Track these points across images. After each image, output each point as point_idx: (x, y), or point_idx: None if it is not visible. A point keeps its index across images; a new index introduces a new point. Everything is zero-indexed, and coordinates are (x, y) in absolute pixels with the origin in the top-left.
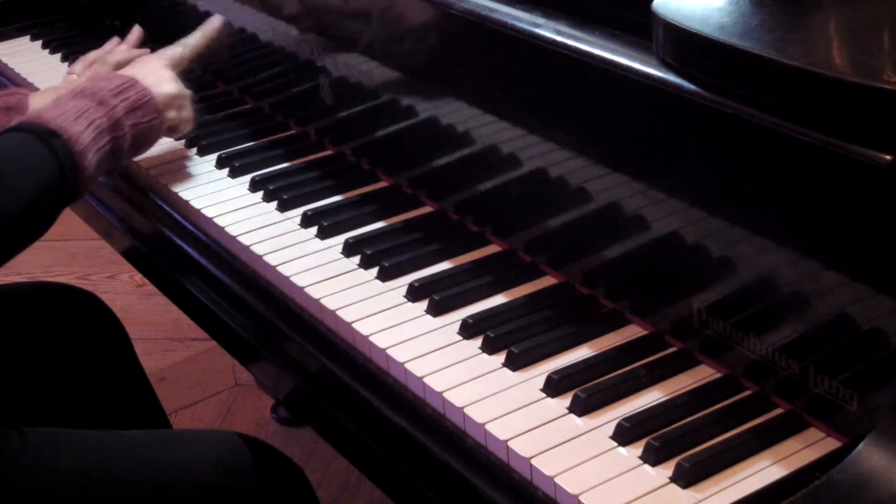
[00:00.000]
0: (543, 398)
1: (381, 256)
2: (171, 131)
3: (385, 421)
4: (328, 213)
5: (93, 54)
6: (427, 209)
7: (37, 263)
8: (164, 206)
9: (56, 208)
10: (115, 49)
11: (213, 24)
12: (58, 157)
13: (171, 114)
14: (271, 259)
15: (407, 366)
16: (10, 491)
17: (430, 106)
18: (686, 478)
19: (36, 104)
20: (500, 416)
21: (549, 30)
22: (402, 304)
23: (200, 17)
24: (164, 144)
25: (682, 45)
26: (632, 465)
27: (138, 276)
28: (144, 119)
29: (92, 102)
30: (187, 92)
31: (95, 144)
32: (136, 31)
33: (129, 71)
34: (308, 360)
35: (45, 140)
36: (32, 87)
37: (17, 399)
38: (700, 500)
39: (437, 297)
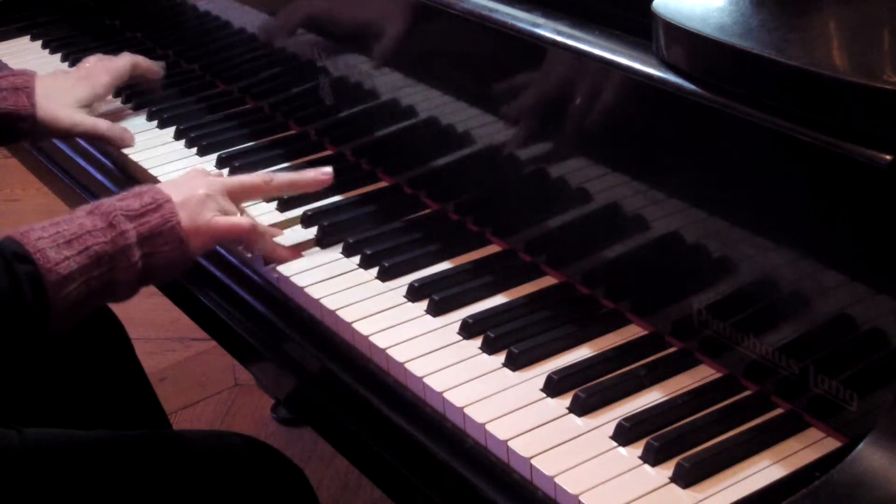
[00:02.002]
0: (543, 398)
1: (381, 256)
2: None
3: (385, 421)
4: (328, 212)
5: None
6: (427, 209)
7: None
8: None
9: (9, 335)
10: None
11: None
12: (15, 282)
13: (197, 243)
14: None
15: (407, 366)
16: (9, 491)
17: (430, 106)
18: (686, 478)
19: (43, 86)
20: (500, 416)
21: (549, 30)
22: (402, 304)
23: (200, 16)
24: (165, 147)
25: (682, 45)
26: (632, 465)
27: None
28: (164, 248)
29: (101, 222)
30: (245, 224)
31: (86, 273)
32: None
33: (174, 186)
34: (308, 361)
35: (8, 263)
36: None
37: (17, 399)
38: (700, 500)
39: (437, 297)
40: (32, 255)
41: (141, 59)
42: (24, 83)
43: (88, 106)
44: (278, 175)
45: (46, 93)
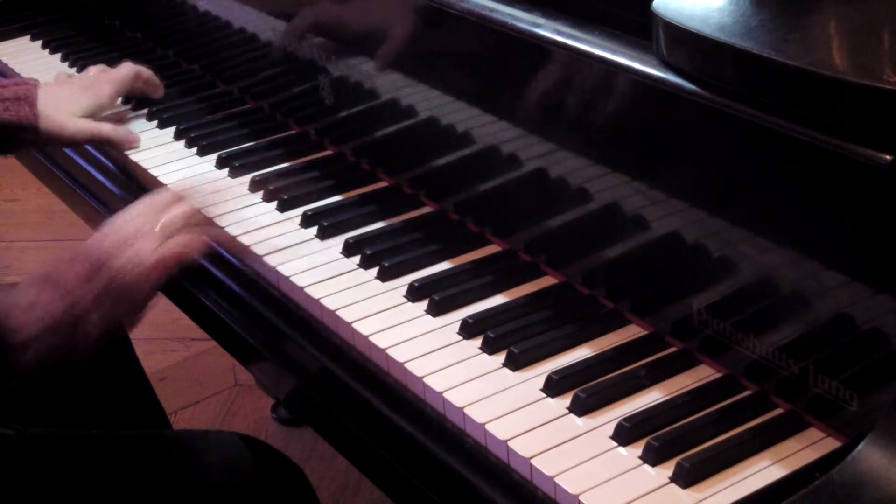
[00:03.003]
0: (543, 398)
1: (381, 256)
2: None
3: (385, 421)
4: (328, 213)
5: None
6: (427, 209)
7: (37, 264)
8: None
9: None
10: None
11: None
12: None
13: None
14: (271, 259)
15: (407, 366)
16: (9, 491)
17: (430, 106)
18: (686, 478)
19: (46, 96)
20: (500, 416)
21: (549, 30)
22: (402, 304)
23: (200, 16)
24: (165, 147)
25: (682, 45)
26: (632, 465)
27: None
28: (117, 311)
29: (50, 295)
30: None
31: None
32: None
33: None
34: (308, 361)
35: None
36: None
37: (17, 399)
38: (700, 500)
39: (437, 297)
40: None
41: (143, 69)
42: (26, 93)
43: (91, 116)
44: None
45: (49, 103)
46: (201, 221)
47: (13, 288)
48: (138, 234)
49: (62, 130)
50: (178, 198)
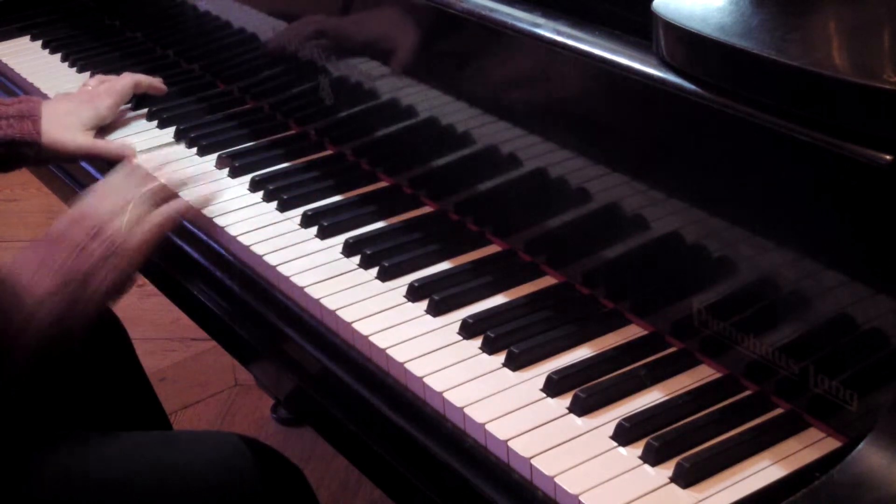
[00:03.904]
0: (543, 398)
1: (381, 256)
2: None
3: (385, 421)
4: (328, 213)
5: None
6: (427, 209)
7: None
8: None
9: None
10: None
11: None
12: None
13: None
14: (271, 259)
15: (407, 366)
16: (9, 491)
17: (430, 106)
18: (686, 478)
19: (48, 112)
20: (500, 416)
21: (549, 30)
22: (402, 304)
23: (200, 16)
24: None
25: (681, 45)
26: (632, 465)
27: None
28: (106, 285)
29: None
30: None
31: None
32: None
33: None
34: (308, 361)
35: None
36: (33, 87)
37: (16, 399)
38: (700, 500)
39: (437, 297)
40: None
41: (142, 78)
42: (30, 110)
43: (93, 128)
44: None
45: (51, 119)
46: (177, 188)
47: (19, 253)
48: (130, 199)
49: (63, 147)
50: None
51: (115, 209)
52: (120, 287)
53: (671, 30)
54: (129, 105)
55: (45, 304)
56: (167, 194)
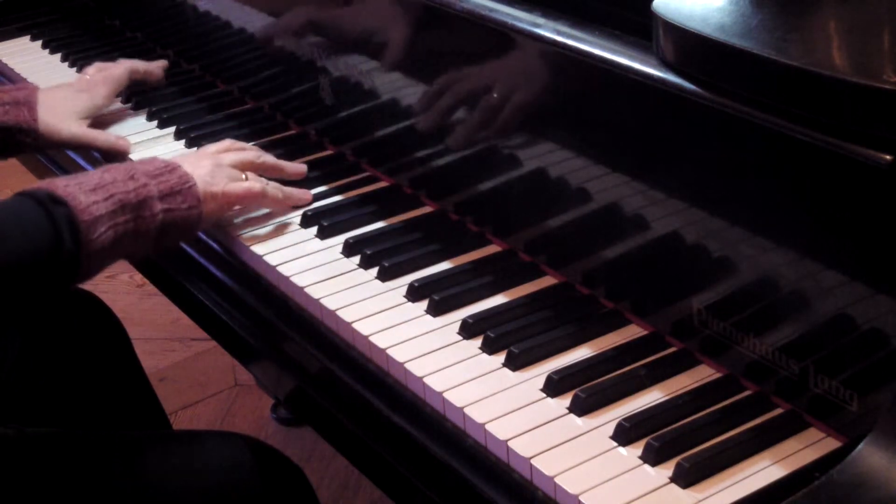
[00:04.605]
0: (543, 398)
1: (381, 256)
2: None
3: (385, 421)
4: (328, 213)
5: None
6: (427, 209)
7: None
8: None
9: (47, 279)
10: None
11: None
12: (55, 225)
13: (212, 207)
14: (271, 259)
15: (407, 366)
16: (8, 490)
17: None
18: (686, 478)
19: (45, 99)
20: (500, 416)
21: (549, 30)
22: (402, 304)
23: (200, 16)
24: (165, 147)
25: (682, 45)
26: (632, 465)
27: (138, 276)
28: (182, 206)
29: (121, 176)
30: (257, 188)
31: (112, 219)
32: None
33: (181, 157)
34: (308, 360)
35: (45, 206)
36: None
37: (17, 399)
38: (700, 500)
39: (437, 297)
40: (65, 198)
41: (139, 64)
42: (25, 97)
43: (89, 117)
44: (267, 155)
45: (48, 106)
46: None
47: (80, 173)
48: (215, 161)
49: (59, 134)
50: (250, 148)
51: (196, 160)
52: (181, 228)
53: (671, 30)
54: (129, 105)
55: (98, 226)
56: (256, 169)
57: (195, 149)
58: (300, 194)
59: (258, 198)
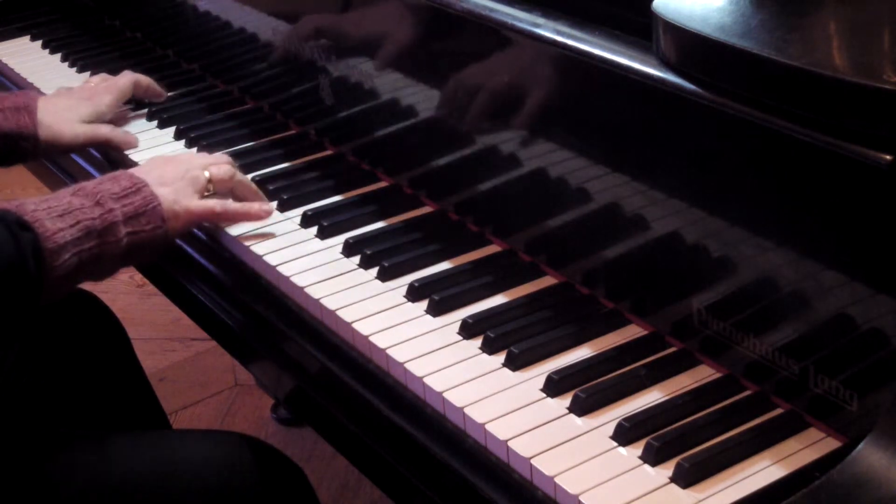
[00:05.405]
0: (543, 398)
1: (381, 256)
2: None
3: (385, 421)
4: (328, 213)
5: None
6: (427, 209)
7: None
8: None
9: (9, 300)
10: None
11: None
12: (20, 250)
13: (176, 224)
14: (271, 259)
15: (407, 366)
16: (9, 491)
17: (430, 106)
18: (686, 478)
19: (45, 105)
20: (500, 416)
21: (549, 30)
22: (402, 304)
23: (200, 16)
24: (165, 147)
25: (682, 45)
26: (632, 465)
27: (138, 276)
28: (147, 227)
29: (88, 202)
30: (217, 208)
31: (77, 246)
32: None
33: (148, 168)
34: (308, 360)
35: (10, 229)
36: (33, 88)
37: (17, 399)
38: (700, 500)
39: (437, 297)
40: (32, 224)
41: (142, 78)
42: (26, 103)
43: (91, 124)
44: (243, 178)
45: (48, 112)
46: (242, 185)
47: (50, 195)
48: (185, 177)
49: (60, 137)
50: (225, 159)
51: (166, 177)
52: (147, 248)
53: (671, 30)
54: (129, 105)
55: (63, 252)
56: (228, 186)
57: (194, 149)
58: (259, 212)
59: (220, 218)
